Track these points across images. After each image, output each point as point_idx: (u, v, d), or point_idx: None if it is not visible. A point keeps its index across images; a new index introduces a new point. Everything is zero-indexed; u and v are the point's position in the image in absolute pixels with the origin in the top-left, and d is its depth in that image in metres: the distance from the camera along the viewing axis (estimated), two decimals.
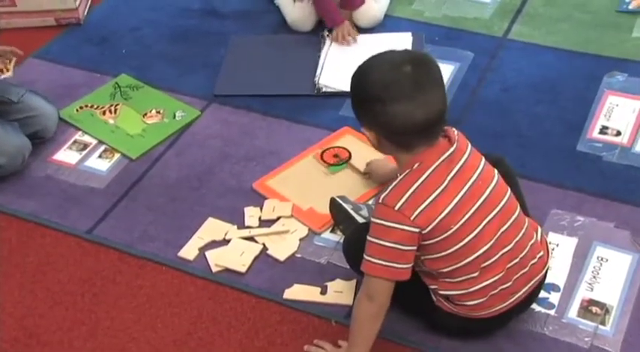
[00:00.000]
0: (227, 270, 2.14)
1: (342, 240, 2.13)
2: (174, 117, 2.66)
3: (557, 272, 2.05)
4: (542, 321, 1.95)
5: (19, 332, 2.04)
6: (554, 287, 2.01)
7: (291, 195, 2.32)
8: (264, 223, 2.26)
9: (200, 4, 3.24)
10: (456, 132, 1.74)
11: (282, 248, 2.18)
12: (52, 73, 2.90)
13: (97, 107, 2.73)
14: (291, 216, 2.27)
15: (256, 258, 2.16)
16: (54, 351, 2.00)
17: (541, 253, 1.85)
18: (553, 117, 2.55)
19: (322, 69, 2.79)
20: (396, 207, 1.65)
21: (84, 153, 2.56)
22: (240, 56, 2.92)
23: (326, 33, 2.93)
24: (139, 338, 2.01)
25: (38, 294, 2.14)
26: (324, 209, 2.23)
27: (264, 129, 2.60)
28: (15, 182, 2.46)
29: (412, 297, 1.86)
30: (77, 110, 2.72)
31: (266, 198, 2.33)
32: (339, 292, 2.05)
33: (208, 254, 2.18)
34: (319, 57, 2.85)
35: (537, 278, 1.85)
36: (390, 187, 1.69)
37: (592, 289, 2.01)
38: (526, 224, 1.82)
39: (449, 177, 1.68)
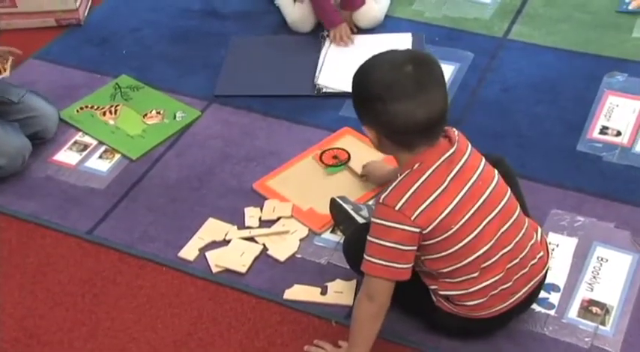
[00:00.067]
0: (227, 271, 2.14)
1: (342, 241, 2.13)
2: (175, 117, 2.67)
3: (558, 272, 2.05)
4: (542, 321, 1.95)
5: (20, 332, 2.05)
6: (554, 288, 2.01)
7: (291, 196, 2.32)
8: (265, 223, 2.26)
9: (200, 4, 3.24)
10: (456, 132, 1.74)
11: (283, 248, 2.18)
12: (53, 74, 2.91)
13: (98, 108, 2.73)
14: (292, 216, 2.27)
15: (256, 259, 2.17)
16: None
17: (541, 253, 1.85)
18: (553, 118, 2.55)
19: (321, 69, 2.79)
20: (397, 207, 1.66)
21: (84, 153, 2.56)
22: (240, 57, 2.92)
23: (326, 33, 2.93)
24: (139, 339, 2.01)
25: (38, 295, 2.14)
26: (324, 209, 2.23)
27: (264, 129, 2.60)
28: (15, 183, 2.46)
29: (412, 297, 1.86)
30: (77, 111, 2.72)
31: (266, 199, 2.33)
32: (339, 292, 2.05)
33: (208, 254, 2.18)
34: (319, 57, 2.85)
35: (537, 278, 1.85)
36: (391, 187, 1.69)
37: (592, 289, 2.01)
38: (526, 224, 1.82)
39: (449, 178, 1.68)
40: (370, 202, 2.26)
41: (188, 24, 3.13)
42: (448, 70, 2.72)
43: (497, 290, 1.78)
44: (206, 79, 2.82)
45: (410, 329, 1.95)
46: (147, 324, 2.04)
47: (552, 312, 1.97)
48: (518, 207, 1.80)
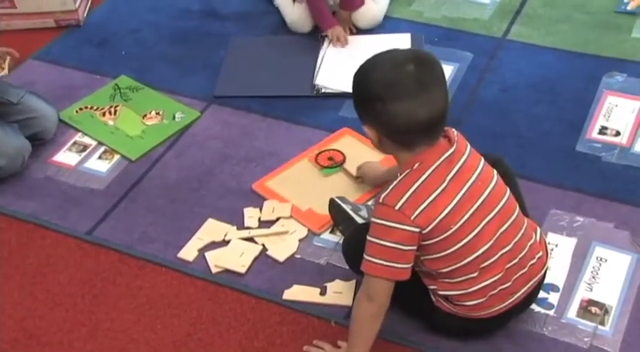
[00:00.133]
0: (227, 271, 2.14)
1: (341, 241, 2.13)
2: (174, 118, 2.67)
3: (557, 272, 2.05)
4: (541, 321, 1.95)
5: (19, 333, 2.05)
6: (553, 288, 2.02)
7: (290, 196, 2.33)
8: (264, 224, 2.26)
9: (200, 5, 3.24)
10: (455, 132, 1.74)
11: (282, 249, 2.18)
12: (52, 75, 2.91)
13: (97, 108, 2.73)
14: (291, 216, 2.27)
15: (256, 259, 2.17)
16: None
17: (540, 253, 1.85)
18: (552, 118, 2.55)
19: (320, 69, 2.79)
20: (397, 207, 1.66)
21: (84, 154, 2.56)
22: (240, 57, 2.92)
23: (325, 34, 2.93)
24: (139, 339, 2.01)
25: (38, 296, 2.14)
26: (324, 210, 2.23)
27: (263, 130, 2.60)
28: (15, 183, 2.46)
29: (412, 298, 1.86)
30: (77, 111, 2.72)
31: (265, 199, 2.33)
32: (338, 293, 2.05)
33: (208, 255, 2.18)
34: (318, 58, 2.85)
35: (536, 278, 1.85)
36: (391, 187, 1.69)
37: (591, 289, 2.01)
38: (525, 224, 1.82)
39: (448, 178, 1.68)
40: (369, 202, 2.26)
41: (187, 25, 3.13)
42: (447, 70, 2.72)
43: (496, 290, 1.78)
44: (205, 80, 2.82)
45: (410, 330, 1.95)
46: (146, 325, 2.04)
47: (551, 312, 1.97)
48: (518, 207, 1.80)
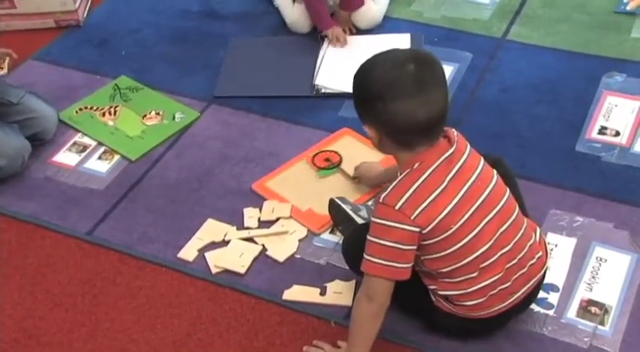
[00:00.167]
0: (226, 271, 2.14)
1: (341, 241, 2.13)
2: (174, 118, 2.67)
3: (556, 272, 2.05)
4: (541, 321, 1.95)
5: (19, 333, 2.05)
6: (553, 288, 2.02)
7: (290, 196, 2.33)
8: (264, 224, 2.26)
9: (200, 5, 3.24)
10: (455, 132, 1.74)
11: (282, 249, 2.18)
12: (52, 75, 2.91)
13: (97, 109, 2.73)
14: (290, 217, 2.27)
15: (255, 259, 2.17)
16: None
17: (540, 253, 1.85)
18: (552, 118, 2.55)
19: (319, 70, 2.79)
20: (397, 207, 1.66)
21: (83, 154, 2.56)
22: (239, 58, 2.92)
23: (325, 34, 2.93)
24: (139, 339, 2.01)
25: (38, 296, 2.14)
26: (323, 210, 2.23)
27: (263, 130, 2.60)
28: (15, 184, 2.46)
29: (412, 297, 1.86)
30: (77, 112, 2.72)
31: (265, 199, 2.33)
32: (338, 293, 2.05)
33: (208, 255, 2.18)
34: (318, 58, 2.85)
35: (536, 278, 1.85)
36: (391, 187, 1.69)
37: (591, 289, 2.02)
38: (525, 224, 1.82)
39: (448, 178, 1.69)
40: (369, 203, 2.26)
41: (187, 25, 3.13)
42: (447, 70, 2.70)
43: (496, 290, 1.78)
44: (205, 80, 2.82)
45: (410, 330, 1.95)
46: (146, 325, 2.04)
47: (551, 312, 1.97)
48: (517, 207, 1.80)
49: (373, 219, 1.70)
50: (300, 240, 2.20)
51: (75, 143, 2.61)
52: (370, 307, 1.74)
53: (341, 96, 2.64)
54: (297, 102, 2.70)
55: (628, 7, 2.98)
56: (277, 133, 2.59)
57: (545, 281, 1.93)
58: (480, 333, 1.91)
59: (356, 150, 2.45)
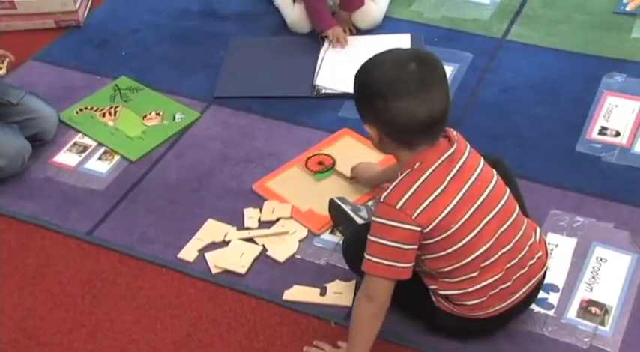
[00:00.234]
0: (227, 272, 2.14)
1: (341, 242, 2.13)
2: (174, 119, 2.67)
3: (557, 272, 2.05)
4: (541, 322, 1.95)
5: (19, 333, 2.05)
6: (553, 288, 2.02)
7: (290, 197, 2.33)
8: (264, 224, 2.26)
9: (200, 5, 3.24)
10: (455, 132, 1.74)
11: (282, 249, 2.18)
12: (52, 76, 2.91)
13: (97, 109, 2.73)
14: (291, 217, 2.27)
15: (256, 260, 2.17)
16: None
17: (540, 253, 1.85)
18: (552, 118, 2.55)
19: (320, 70, 2.79)
20: (398, 206, 1.66)
21: (84, 155, 2.56)
22: (239, 58, 2.92)
23: (325, 34, 2.93)
24: (139, 340, 2.01)
25: (38, 296, 2.14)
26: (324, 210, 2.23)
27: (263, 130, 2.61)
28: (15, 184, 2.46)
29: (412, 298, 1.86)
30: (77, 112, 2.72)
31: (265, 200, 2.33)
32: (338, 293, 2.05)
33: (208, 255, 2.18)
34: (318, 58, 2.85)
35: (536, 278, 1.85)
36: (392, 186, 1.69)
37: (591, 289, 2.02)
38: (525, 224, 1.82)
39: (448, 178, 1.69)
40: (369, 203, 2.26)
41: (187, 25, 3.13)
42: (447, 70, 2.69)
43: (496, 290, 1.78)
44: (205, 80, 2.82)
45: (410, 330, 1.95)
46: (146, 325, 2.04)
47: (551, 312, 1.97)
48: (517, 207, 1.81)
49: (374, 218, 1.70)
50: (300, 241, 2.20)
51: (75, 143, 2.61)
52: (370, 307, 1.74)
53: (341, 96, 2.65)
54: (298, 102, 2.70)
55: (627, 8, 2.98)
56: (277, 134, 2.59)
57: (546, 281, 1.93)
58: (480, 333, 1.91)
59: (356, 150, 2.45)
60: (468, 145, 1.76)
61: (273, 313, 2.04)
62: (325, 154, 2.44)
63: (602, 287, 2.02)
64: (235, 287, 2.11)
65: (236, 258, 2.17)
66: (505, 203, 1.76)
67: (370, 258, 1.70)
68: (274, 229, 2.24)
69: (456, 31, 2.97)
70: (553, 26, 2.95)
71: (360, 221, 2.11)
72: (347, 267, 2.03)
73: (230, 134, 2.60)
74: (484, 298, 1.78)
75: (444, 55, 2.75)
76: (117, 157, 2.54)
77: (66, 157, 2.56)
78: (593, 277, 2.04)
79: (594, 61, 2.76)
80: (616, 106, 2.56)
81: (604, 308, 1.97)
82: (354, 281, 2.05)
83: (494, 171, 1.79)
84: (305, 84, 2.76)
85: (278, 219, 2.27)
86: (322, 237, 2.22)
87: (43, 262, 2.23)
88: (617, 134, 2.46)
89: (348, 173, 2.35)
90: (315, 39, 2.96)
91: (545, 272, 1.89)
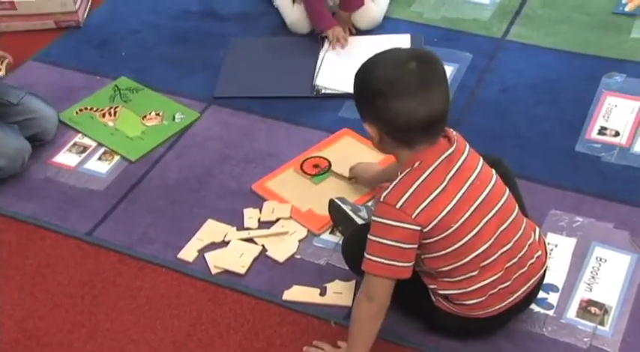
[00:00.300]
0: (226, 272, 2.14)
1: (341, 242, 2.13)
2: (174, 119, 2.67)
3: (556, 272, 2.05)
4: (541, 322, 1.95)
5: (19, 334, 2.05)
6: (552, 288, 2.02)
7: (290, 197, 2.33)
8: (264, 225, 2.26)
9: (200, 5, 3.24)
10: (454, 132, 1.74)
11: (282, 249, 2.18)
12: (52, 76, 2.91)
13: (97, 109, 2.73)
14: (290, 217, 2.27)
15: (255, 260, 2.17)
16: None
17: (539, 253, 1.86)
18: (552, 118, 2.56)
19: (320, 70, 2.79)
20: (398, 205, 1.66)
21: (83, 155, 2.56)
22: (239, 58, 2.92)
23: (325, 34, 2.93)
24: (139, 340, 2.01)
25: (38, 296, 2.14)
26: (323, 210, 2.23)
27: (263, 131, 2.61)
28: (15, 184, 2.46)
29: (412, 297, 1.86)
30: (77, 112, 2.72)
31: (265, 200, 2.33)
32: (338, 293, 2.05)
33: (208, 255, 2.18)
34: (318, 58, 2.85)
35: (536, 278, 1.85)
36: (391, 186, 1.70)
37: (591, 289, 2.02)
38: (524, 224, 1.82)
39: (448, 177, 1.69)
40: (369, 203, 2.26)
41: (187, 25, 3.13)
42: (447, 71, 2.69)
43: (496, 290, 1.78)
44: (205, 81, 2.83)
45: (410, 330, 1.95)
46: (146, 325, 2.04)
47: (551, 312, 1.97)
48: (517, 207, 1.81)
49: (374, 218, 1.70)
50: (300, 241, 2.20)
51: (75, 144, 2.61)
52: (370, 307, 1.74)
53: (341, 96, 2.65)
54: (297, 102, 2.70)
55: (626, 9, 2.98)
56: (277, 134, 2.59)
57: (545, 281, 1.93)
58: (479, 333, 1.91)
59: (356, 150, 2.45)
60: (467, 145, 1.76)
61: (273, 313, 2.04)
62: (320, 157, 2.44)
63: (601, 287, 2.02)
64: (235, 287, 2.11)
65: (236, 258, 2.17)
66: (504, 202, 1.76)
67: (370, 257, 1.70)
68: (274, 229, 2.24)
69: (456, 31, 2.97)
70: (553, 26, 2.96)
71: (359, 221, 2.11)
72: (347, 267, 2.03)
73: (230, 134, 2.60)
74: (484, 297, 1.78)
75: (444, 55, 2.74)
76: (117, 157, 2.54)
77: (66, 157, 2.56)
78: (593, 277, 2.04)
79: (594, 61, 2.76)
80: (615, 106, 2.56)
81: (604, 308, 1.97)
82: (353, 282, 2.05)
83: (494, 171, 1.79)
84: (305, 84, 2.76)
85: (278, 219, 2.27)
86: (322, 237, 2.22)
87: (43, 262, 2.23)
88: (617, 134, 2.46)
89: (345, 174, 2.35)
90: (315, 39, 2.96)
91: (544, 272, 1.89)
